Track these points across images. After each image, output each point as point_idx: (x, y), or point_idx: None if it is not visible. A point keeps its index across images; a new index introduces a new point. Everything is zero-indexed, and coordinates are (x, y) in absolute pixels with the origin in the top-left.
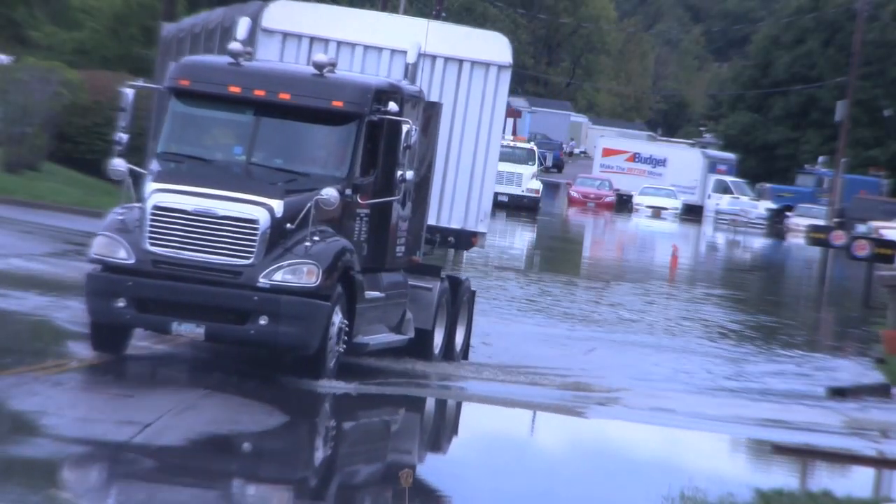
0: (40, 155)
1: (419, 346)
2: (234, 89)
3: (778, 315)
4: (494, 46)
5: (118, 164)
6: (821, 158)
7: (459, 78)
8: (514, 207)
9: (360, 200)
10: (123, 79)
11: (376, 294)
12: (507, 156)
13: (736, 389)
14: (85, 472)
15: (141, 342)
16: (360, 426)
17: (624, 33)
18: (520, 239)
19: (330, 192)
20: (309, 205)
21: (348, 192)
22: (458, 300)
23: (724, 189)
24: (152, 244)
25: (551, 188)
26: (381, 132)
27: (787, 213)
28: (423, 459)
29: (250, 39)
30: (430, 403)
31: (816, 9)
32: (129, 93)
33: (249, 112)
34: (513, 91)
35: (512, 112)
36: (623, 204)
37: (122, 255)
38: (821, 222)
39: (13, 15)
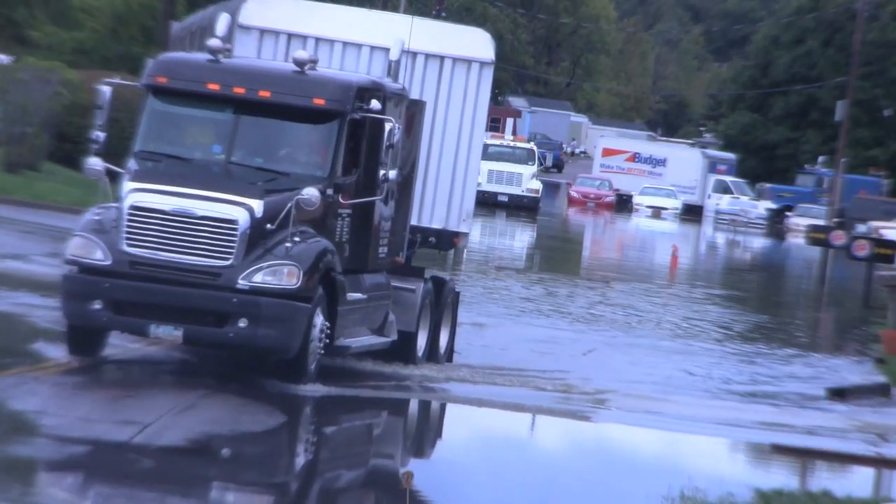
0: (40, 155)
1: (402, 349)
2: (213, 87)
3: (778, 315)
4: (476, 43)
5: (94, 164)
6: (821, 158)
7: (441, 75)
8: (514, 207)
9: (341, 200)
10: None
11: (358, 296)
12: (507, 156)
13: (733, 391)
14: (85, 472)
15: (133, 344)
16: (343, 430)
17: (624, 33)
18: (520, 239)
19: (311, 192)
20: (289, 205)
21: (330, 191)
22: (442, 301)
23: (724, 189)
24: (129, 245)
25: (551, 188)
26: (363, 131)
27: (787, 213)
28: (406, 464)
29: (229, 37)
30: (414, 406)
31: (816, 9)
32: (105, 90)
33: (229, 110)
34: (513, 91)
35: (512, 112)
36: (623, 204)
37: (99, 257)
38: (821, 222)
39: (13, 15)
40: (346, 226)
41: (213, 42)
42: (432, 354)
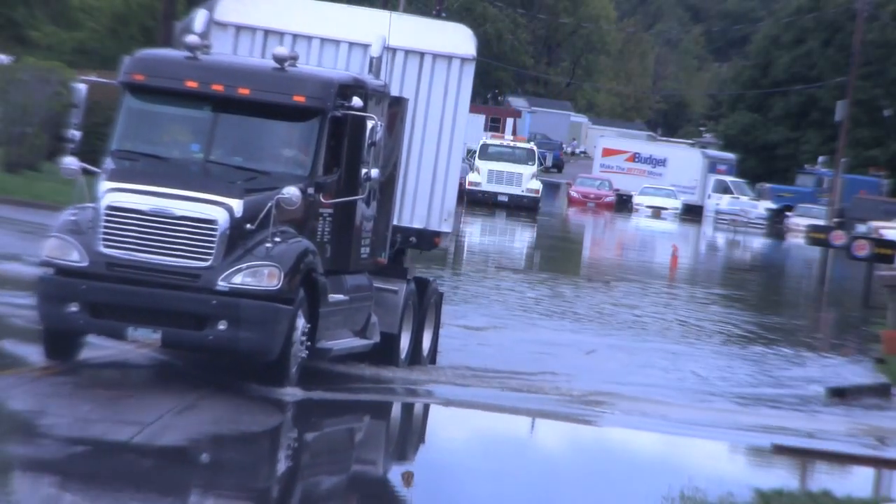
0: (40, 155)
1: (385, 351)
2: (191, 84)
3: (778, 315)
4: (457, 39)
5: (70, 163)
6: (821, 158)
7: (421, 72)
8: (514, 207)
9: (322, 200)
10: None
11: (340, 297)
12: (507, 156)
13: (731, 393)
14: (85, 472)
15: (127, 344)
16: (326, 435)
17: (624, 33)
18: (520, 239)
19: (291, 192)
20: (270, 204)
21: (311, 190)
22: (425, 303)
23: (724, 189)
24: (106, 246)
25: (551, 188)
26: (344, 128)
27: (787, 213)
28: (389, 470)
29: (207, 33)
30: (396, 409)
31: (816, 9)
32: (81, 88)
33: (207, 108)
34: (513, 91)
35: (512, 112)
36: (623, 204)
37: (75, 258)
38: (821, 222)
39: (13, 15)
40: (328, 226)
41: (191, 38)
42: (415, 356)
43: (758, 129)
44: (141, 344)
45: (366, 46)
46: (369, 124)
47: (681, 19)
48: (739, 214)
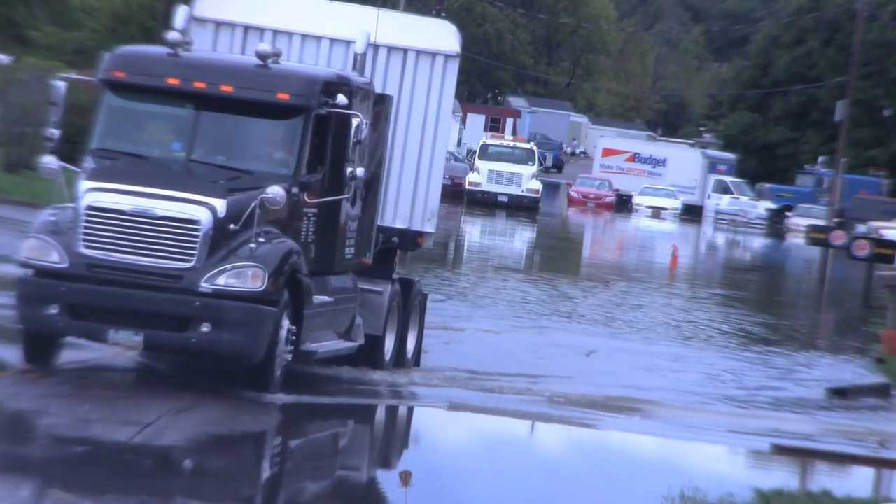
0: (40, 155)
1: (369, 353)
2: (173, 81)
3: (778, 316)
4: (441, 35)
5: (49, 162)
6: (821, 158)
7: (404, 68)
8: (514, 207)
9: (307, 199)
10: None
11: (325, 298)
12: (507, 156)
13: (730, 394)
14: (85, 472)
15: (111, 347)
16: (326, 436)
17: (624, 33)
18: (520, 239)
19: (276, 191)
20: (254, 204)
21: (295, 190)
22: (410, 304)
23: (723, 189)
24: (87, 247)
25: (551, 188)
26: (329, 126)
27: (787, 213)
28: (373, 475)
29: (188, 30)
30: (394, 413)
31: (816, 9)
32: (60, 86)
33: (189, 106)
34: (513, 91)
35: (512, 112)
36: (623, 204)
37: (55, 259)
38: (821, 222)
39: (13, 15)
40: (312, 226)
41: (172, 35)
42: (399, 358)
43: (758, 129)
44: (125, 346)
45: (348, 43)
46: (354, 122)
47: (681, 19)
48: (739, 214)
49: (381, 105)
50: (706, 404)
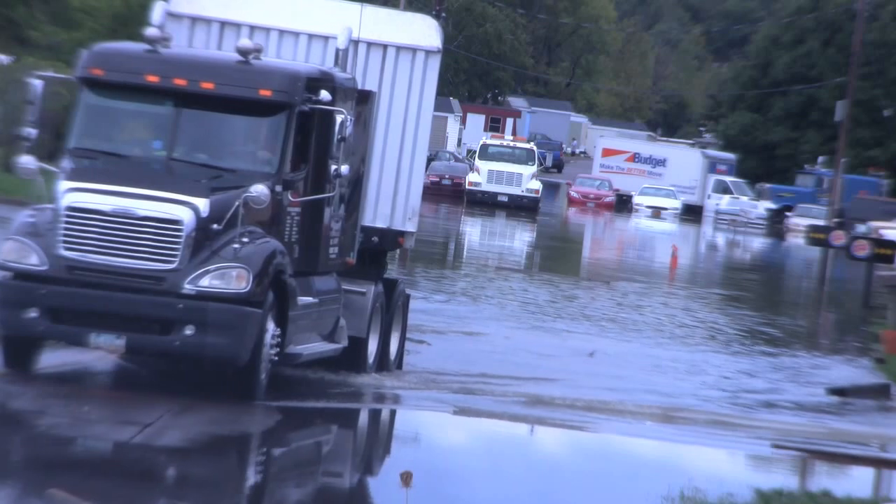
0: (40, 155)
1: (352, 356)
2: (152, 78)
3: (778, 316)
4: (421, 30)
5: (27, 162)
6: (821, 158)
7: (384, 65)
8: (514, 208)
9: (291, 198)
10: None
11: (309, 300)
12: (507, 156)
13: (729, 397)
14: (85, 472)
15: (93, 351)
16: (326, 437)
17: (624, 33)
18: (520, 239)
19: (260, 190)
20: (237, 203)
21: (278, 189)
22: (393, 305)
23: (723, 189)
24: (67, 249)
25: (551, 188)
26: (312, 124)
27: (787, 213)
28: (356, 480)
29: (164, 26)
30: (384, 417)
31: (816, 9)
32: (37, 84)
33: (169, 103)
34: (513, 91)
35: (512, 112)
36: (623, 204)
37: (34, 262)
38: (821, 222)
39: (13, 15)
40: (296, 225)
41: (151, 31)
42: (382, 361)
43: (758, 129)
44: (107, 350)
45: (326, 38)
46: (339, 119)
47: (681, 19)
48: (739, 214)
49: (364, 102)
50: (703, 407)
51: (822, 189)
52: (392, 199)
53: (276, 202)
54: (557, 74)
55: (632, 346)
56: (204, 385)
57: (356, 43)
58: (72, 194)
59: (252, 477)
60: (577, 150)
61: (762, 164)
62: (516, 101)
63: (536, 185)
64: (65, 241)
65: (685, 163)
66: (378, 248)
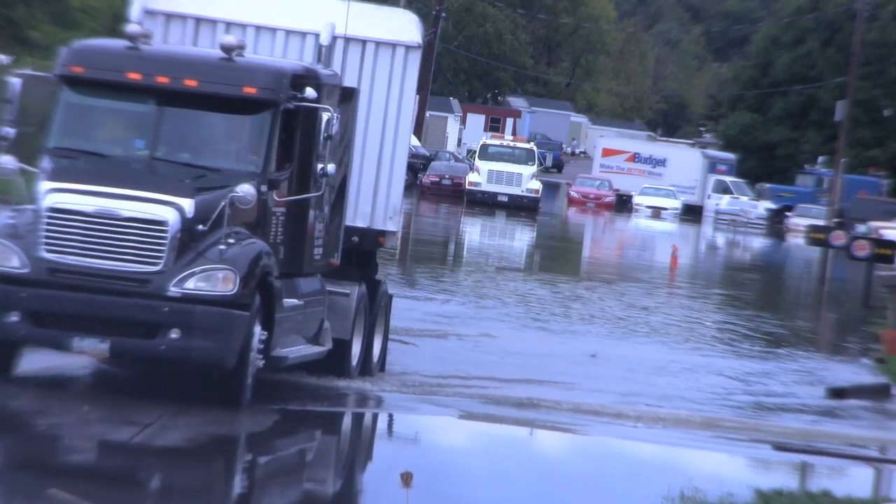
0: (39, 155)
1: (335, 359)
2: (134, 76)
3: (778, 316)
4: (401, 25)
5: (6, 162)
6: (820, 158)
7: (363, 61)
8: (514, 208)
9: (276, 198)
10: None
11: (295, 301)
12: (507, 156)
13: (723, 397)
14: (84, 472)
15: (76, 356)
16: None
17: (624, 33)
18: (520, 239)
19: (246, 190)
20: (223, 203)
21: (264, 188)
22: (376, 306)
23: (723, 189)
24: (49, 251)
25: (551, 188)
26: (297, 122)
27: (787, 214)
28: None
29: (142, 22)
30: (383, 421)
31: (816, 9)
32: (15, 83)
33: (151, 101)
34: (513, 91)
35: (512, 112)
36: (623, 204)
37: (15, 264)
38: (820, 222)
39: (13, 15)
40: (281, 226)
41: (132, 28)
42: (366, 364)
43: (758, 129)
44: (90, 355)
45: (304, 34)
46: (325, 117)
47: (681, 19)
48: (739, 214)
49: (348, 99)
50: (702, 409)
51: (822, 189)
52: (372, 197)
53: (261, 202)
54: (557, 74)
55: (632, 347)
56: (190, 389)
57: (334, 38)
58: (53, 195)
59: (252, 477)
60: (577, 150)
61: (762, 164)
62: (516, 101)
63: (536, 185)
64: (47, 243)
65: (685, 163)
66: (361, 249)
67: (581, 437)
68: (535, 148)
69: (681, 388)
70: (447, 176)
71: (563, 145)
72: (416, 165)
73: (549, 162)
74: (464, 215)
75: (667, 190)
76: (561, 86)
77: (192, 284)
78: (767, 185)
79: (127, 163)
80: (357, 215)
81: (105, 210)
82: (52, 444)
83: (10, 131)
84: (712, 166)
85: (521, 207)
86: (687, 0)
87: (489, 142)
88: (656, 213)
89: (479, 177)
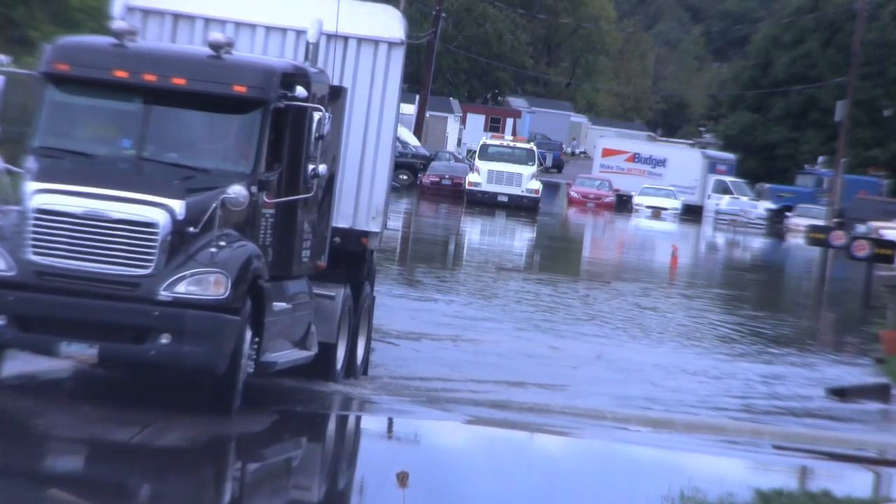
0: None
1: (320, 362)
2: (121, 74)
3: (778, 316)
4: (384, 21)
5: None
6: (820, 158)
7: (345, 57)
8: (513, 208)
9: (266, 199)
10: None
11: (283, 305)
12: (507, 156)
13: (719, 399)
14: (85, 472)
15: (63, 361)
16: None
17: (624, 33)
18: (520, 239)
19: (238, 191)
20: (214, 205)
21: (254, 189)
22: (360, 308)
23: (723, 189)
24: (36, 253)
25: (551, 188)
26: (286, 121)
27: (787, 214)
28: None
29: (125, 19)
30: (383, 425)
31: (816, 9)
32: None
33: (138, 100)
34: (513, 91)
35: (512, 112)
36: (623, 204)
37: (1, 267)
38: (820, 222)
39: (13, 15)
40: (270, 227)
41: (118, 24)
42: (350, 367)
43: (758, 129)
44: (78, 360)
45: (284, 31)
46: (316, 116)
47: (681, 19)
48: (739, 214)
49: (336, 98)
50: (701, 411)
51: (822, 189)
52: (355, 197)
53: (251, 203)
54: (557, 74)
55: (632, 348)
56: (179, 395)
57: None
58: (41, 196)
59: (253, 476)
60: (577, 150)
61: (762, 164)
62: (516, 101)
63: (536, 185)
64: (34, 246)
65: (685, 163)
66: (344, 250)
67: (581, 439)
68: (535, 148)
69: (681, 389)
70: (447, 176)
71: (563, 145)
72: (416, 165)
73: (549, 162)
74: (464, 215)
75: (667, 190)
76: (561, 86)
77: (183, 288)
78: (767, 185)
79: (114, 163)
80: (339, 216)
81: (94, 211)
82: (52, 443)
83: None
84: (712, 166)
85: (521, 207)
86: (687, 0)
87: (489, 142)
88: (656, 213)
89: (479, 177)
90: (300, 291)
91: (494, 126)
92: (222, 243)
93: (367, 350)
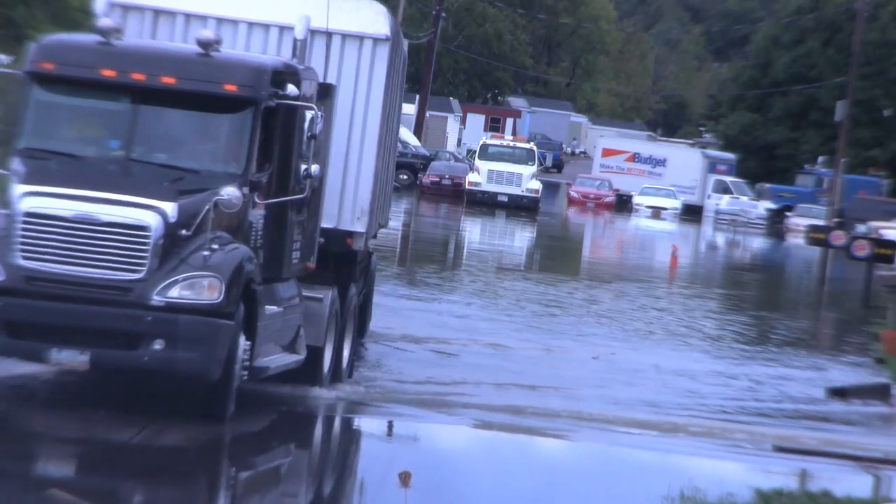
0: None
1: (307, 366)
2: (108, 73)
3: (778, 316)
4: (368, 16)
5: None
6: (820, 158)
7: (328, 54)
8: (514, 207)
9: (257, 200)
10: None
11: (274, 308)
12: (507, 156)
13: (721, 398)
14: (85, 472)
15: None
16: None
17: (624, 33)
18: (520, 239)
19: (231, 192)
20: (207, 207)
21: (245, 190)
22: (346, 310)
23: (723, 189)
24: (25, 258)
25: (551, 188)
26: (277, 120)
27: (787, 213)
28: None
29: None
30: (382, 427)
31: (816, 9)
32: None
33: (126, 99)
34: (513, 91)
35: (512, 112)
36: (623, 204)
37: None
38: (820, 222)
39: (13, 15)
40: (261, 229)
41: (104, 22)
42: (336, 371)
43: (758, 129)
44: (69, 367)
45: (267, 27)
46: (308, 115)
47: (681, 19)
48: (739, 214)
49: (325, 96)
50: (700, 412)
51: (822, 189)
52: (339, 197)
53: (243, 205)
54: (557, 74)
55: (632, 348)
56: (171, 402)
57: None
58: (29, 199)
59: (253, 476)
60: (577, 150)
61: (762, 164)
62: (516, 101)
63: (536, 185)
64: (23, 250)
65: (685, 163)
66: (329, 251)
67: (581, 442)
68: (535, 148)
69: (681, 391)
70: (447, 176)
71: (563, 145)
72: (416, 165)
73: (549, 162)
74: (464, 215)
75: (667, 190)
76: (561, 86)
77: (176, 293)
78: (767, 185)
79: (103, 164)
80: (324, 215)
81: (84, 215)
82: (52, 443)
83: None
84: (712, 166)
85: (521, 207)
86: (687, 0)
87: (489, 142)
88: (656, 213)
89: (479, 177)
90: (290, 294)
91: (494, 126)
92: (215, 246)
93: (353, 353)
